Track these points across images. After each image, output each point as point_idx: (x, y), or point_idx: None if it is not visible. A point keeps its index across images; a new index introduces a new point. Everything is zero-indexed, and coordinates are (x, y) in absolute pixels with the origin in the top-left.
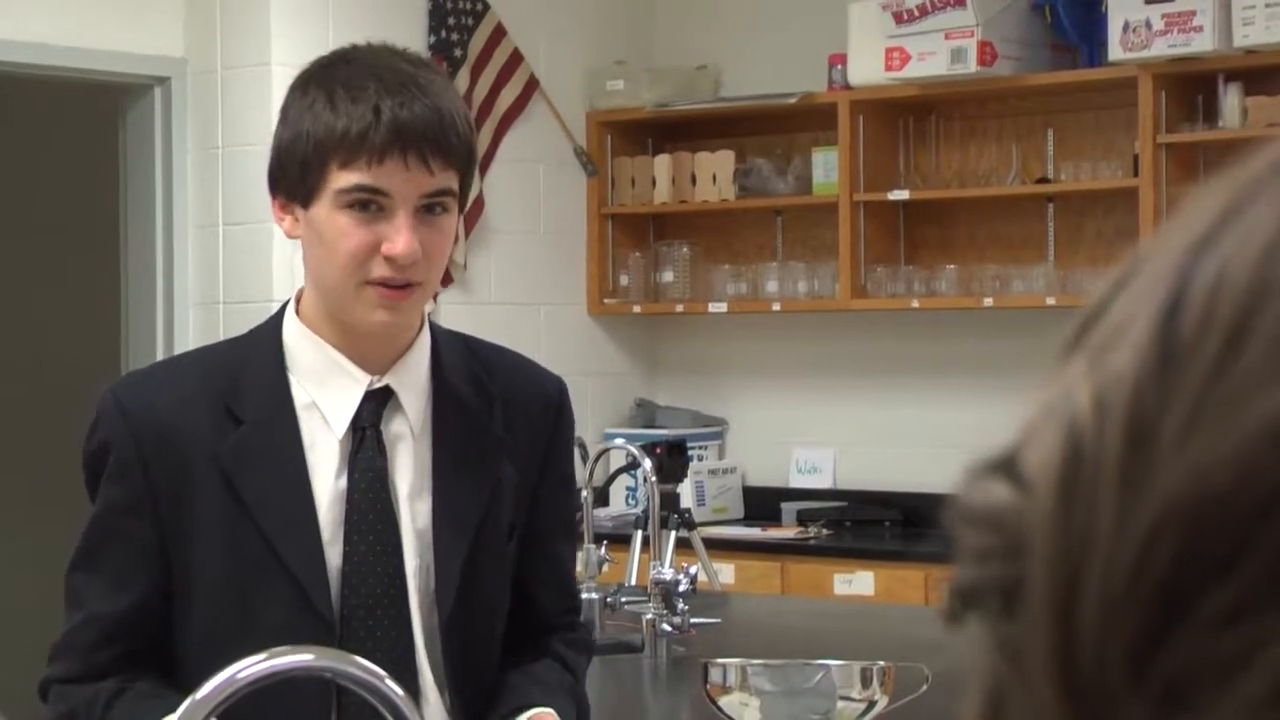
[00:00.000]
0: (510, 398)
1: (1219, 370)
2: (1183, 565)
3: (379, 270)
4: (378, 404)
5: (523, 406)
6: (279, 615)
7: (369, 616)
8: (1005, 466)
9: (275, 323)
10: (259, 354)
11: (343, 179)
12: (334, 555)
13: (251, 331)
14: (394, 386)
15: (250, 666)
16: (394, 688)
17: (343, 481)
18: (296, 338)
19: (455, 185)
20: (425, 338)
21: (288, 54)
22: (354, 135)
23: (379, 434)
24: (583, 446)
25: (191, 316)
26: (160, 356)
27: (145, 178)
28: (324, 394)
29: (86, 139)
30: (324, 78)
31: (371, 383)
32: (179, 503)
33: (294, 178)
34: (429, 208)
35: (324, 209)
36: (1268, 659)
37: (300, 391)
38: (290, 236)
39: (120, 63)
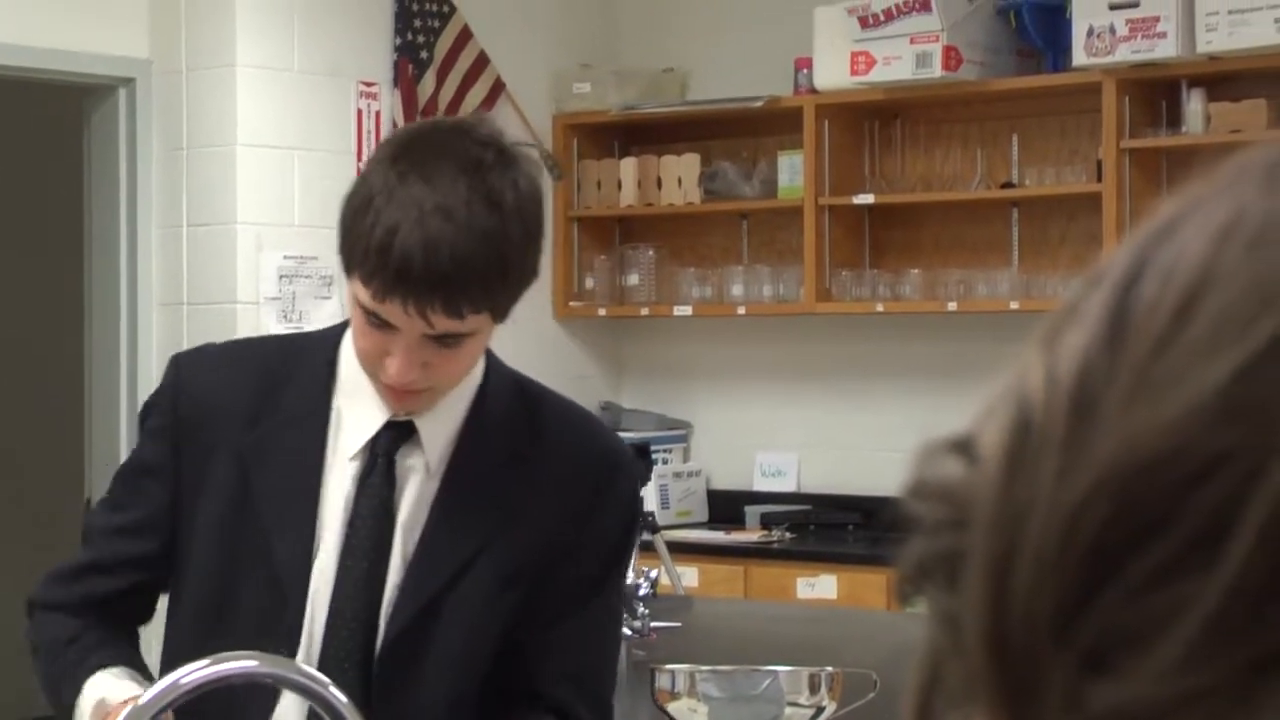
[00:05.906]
0: (553, 453)
1: (1163, 346)
2: (1112, 530)
3: (385, 377)
4: (398, 435)
5: (568, 463)
6: (255, 608)
7: (343, 627)
8: (961, 445)
9: (341, 328)
10: (317, 355)
11: (358, 290)
12: (329, 567)
13: (323, 330)
14: (416, 422)
15: (193, 673)
16: (338, 694)
17: (349, 501)
18: (350, 351)
19: (471, 328)
20: (471, 380)
21: (252, 55)
22: (370, 265)
23: (391, 463)
24: None
25: (155, 317)
26: (124, 358)
27: (110, 179)
28: (353, 412)
29: (50, 140)
30: (392, 158)
31: (395, 414)
32: (196, 479)
33: (340, 248)
34: (439, 339)
35: (351, 297)
36: (1183, 625)
37: (339, 402)
38: None
39: (85, 63)
